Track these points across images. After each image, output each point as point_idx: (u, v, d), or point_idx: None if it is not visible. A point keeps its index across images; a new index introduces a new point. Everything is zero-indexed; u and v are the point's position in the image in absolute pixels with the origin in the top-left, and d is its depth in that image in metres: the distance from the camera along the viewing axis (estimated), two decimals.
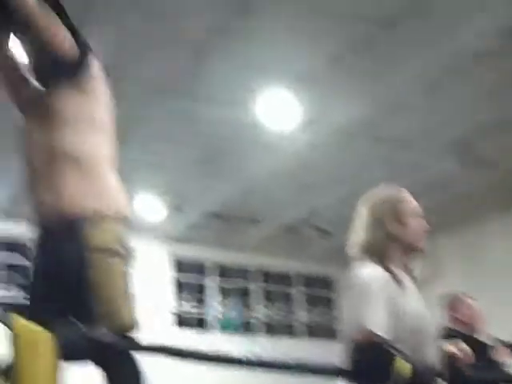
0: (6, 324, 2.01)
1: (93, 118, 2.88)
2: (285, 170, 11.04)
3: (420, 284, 2.88)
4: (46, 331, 2.01)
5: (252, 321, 14.02)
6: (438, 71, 8.24)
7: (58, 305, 2.69)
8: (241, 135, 9.74)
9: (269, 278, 14.45)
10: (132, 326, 2.67)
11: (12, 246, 11.79)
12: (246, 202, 12.30)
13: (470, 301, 4.34)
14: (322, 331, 14.47)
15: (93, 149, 2.84)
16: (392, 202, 3.01)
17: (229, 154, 10.31)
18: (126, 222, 2.84)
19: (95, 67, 2.92)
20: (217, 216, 12.63)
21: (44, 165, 2.82)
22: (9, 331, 1.98)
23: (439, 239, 12.91)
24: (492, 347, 4.19)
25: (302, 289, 14.69)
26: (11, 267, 11.77)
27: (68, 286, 2.68)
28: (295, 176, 11.20)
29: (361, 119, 9.31)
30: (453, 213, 12.10)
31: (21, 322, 2.01)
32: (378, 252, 2.94)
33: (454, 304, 4.47)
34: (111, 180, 2.88)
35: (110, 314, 2.62)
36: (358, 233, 3.06)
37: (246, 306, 14.09)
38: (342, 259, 13.77)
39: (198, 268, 13.97)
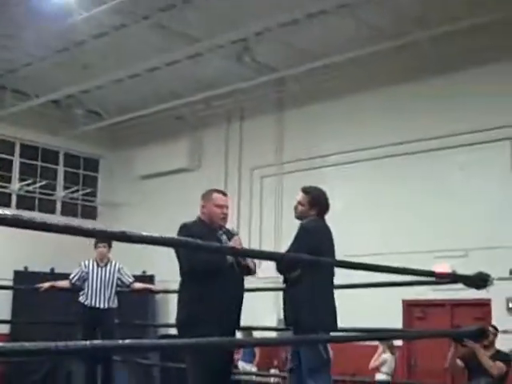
0: None
1: None
2: (59, 45, 10.72)
3: None
4: None
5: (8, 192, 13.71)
6: None
7: None
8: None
9: (32, 152, 14.10)
10: None
11: None
12: (15, 75, 11.82)
13: (217, 194, 4.78)
14: (83, 210, 14.66)
15: None
16: None
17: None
18: None
19: None
20: None
21: None
22: None
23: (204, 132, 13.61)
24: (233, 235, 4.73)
25: (67, 167, 14.59)
26: None
27: None
28: (70, 53, 10.95)
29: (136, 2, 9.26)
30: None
31: None
32: None
33: (205, 196, 4.87)
34: None
35: None
36: None
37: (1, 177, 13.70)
38: (109, 140, 14.04)
39: None
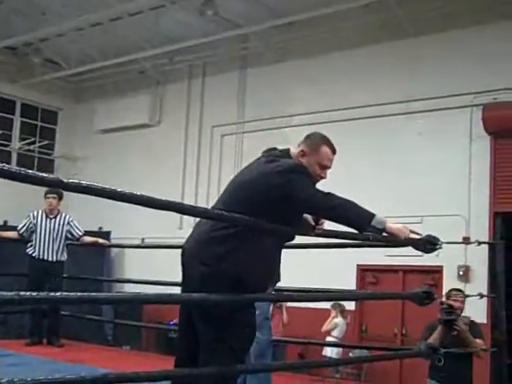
0: None
1: None
2: None
3: None
4: None
5: None
6: None
7: None
8: None
9: None
10: None
11: None
12: None
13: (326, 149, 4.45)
14: (40, 163, 14.33)
15: None
16: None
17: None
18: None
19: None
20: None
21: None
22: None
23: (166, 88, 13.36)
24: None
25: (24, 118, 14.20)
26: None
27: None
28: None
29: None
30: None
31: None
32: None
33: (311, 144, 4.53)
34: None
35: None
36: None
37: None
38: (69, 92, 13.69)
39: None
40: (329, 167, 3.74)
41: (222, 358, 3.30)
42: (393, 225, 3.62)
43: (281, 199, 3.39)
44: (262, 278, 3.52)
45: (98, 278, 10.53)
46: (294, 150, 3.71)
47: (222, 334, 3.31)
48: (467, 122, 9.72)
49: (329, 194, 3.50)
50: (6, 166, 2.52)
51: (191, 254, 3.41)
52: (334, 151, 3.75)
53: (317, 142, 3.72)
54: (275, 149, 4.16)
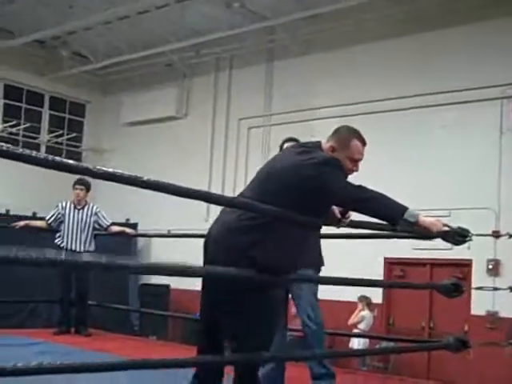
0: None
1: None
2: None
3: None
4: None
5: None
6: None
7: None
8: None
9: (16, 93, 13.80)
10: None
11: None
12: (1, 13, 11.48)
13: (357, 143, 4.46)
14: (67, 155, 14.45)
15: None
16: None
17: None
18: None
19: None
20: None
21: None
22: None
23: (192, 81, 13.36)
24: None
25: (52, 111, 14.33)
26: None
27: None
28: None
29: None
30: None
31: None
32: None
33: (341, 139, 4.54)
34: None
35: None
36: None
37: None
38: (96, 85, 13.76)
39: None
40: (360, 160, 3.67)
41: (250, 344, 3.34)
42: (426, 218, 3.57)
43: (312, 191, 3.37)
44: (288, 268, 3.53)
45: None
46: (324, 144, 3.65)
47: (248, 324, 3.33)
48: (497, 114, 9.57)
49: (360, 186, 3.48)
50: (36, 153, 2.55)
51: (216, 241, 3.41)
52: (364, 143, 3.67)
53: (346, 136, 3.65)
54: (295, 140, 4.12)
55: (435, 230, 3.64)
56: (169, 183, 2.94)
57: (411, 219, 3.49)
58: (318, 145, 3.65)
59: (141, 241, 13.01)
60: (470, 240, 4.44)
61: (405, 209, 3.50)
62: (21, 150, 2.50)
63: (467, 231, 4.30)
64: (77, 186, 7.49)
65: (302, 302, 4.79)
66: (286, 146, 4.57)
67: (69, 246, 7.39)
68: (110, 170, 2.80)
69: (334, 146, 3.60)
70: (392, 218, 3.52)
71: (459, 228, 4.37)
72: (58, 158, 2.65)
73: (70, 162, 2.70)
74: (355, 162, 3.62)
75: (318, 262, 4.81)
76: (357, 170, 3.67)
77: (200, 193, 3.13)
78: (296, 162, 3.47)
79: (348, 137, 3.64)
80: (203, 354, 3.53)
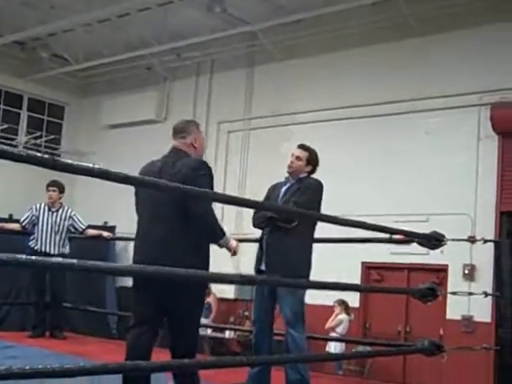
0: None
1: None
2: None
3: None
4: None
5: None
6: None
7: None
8: None
9: None
10: None
11: None
12: None
13: None
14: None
15: None
16: None
17: None
18: None
19: None
20: None
21: None
22: None
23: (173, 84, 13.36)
24: None
25: (30, 112, 14.22)
26: None
27: None
28: None
29: None
30: None
31: None
32: None
33: None
34: None
35: None
36: None
37: None
38: (76, 87, 13.65)
39: None
40: None
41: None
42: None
43: None
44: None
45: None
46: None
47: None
48: (475, 121, 9.66)
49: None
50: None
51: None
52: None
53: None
54: None
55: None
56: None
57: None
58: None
59: (119, 244, 12.93)
60: (445, 244, 4.50)
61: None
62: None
63: (442, 235, 4.36)
64: (50, 188, 7.43)
65: (285, 308, 4.81)
66: None
67: (43, 249, 7.31)
68: (75, 163, 2.80)
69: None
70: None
71: (434, 232, 4.41)
72: (16, 150, 2.63)
73: (33, 153, 2.68)
74: None
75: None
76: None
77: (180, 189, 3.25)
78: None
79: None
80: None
